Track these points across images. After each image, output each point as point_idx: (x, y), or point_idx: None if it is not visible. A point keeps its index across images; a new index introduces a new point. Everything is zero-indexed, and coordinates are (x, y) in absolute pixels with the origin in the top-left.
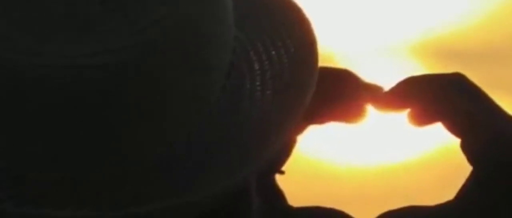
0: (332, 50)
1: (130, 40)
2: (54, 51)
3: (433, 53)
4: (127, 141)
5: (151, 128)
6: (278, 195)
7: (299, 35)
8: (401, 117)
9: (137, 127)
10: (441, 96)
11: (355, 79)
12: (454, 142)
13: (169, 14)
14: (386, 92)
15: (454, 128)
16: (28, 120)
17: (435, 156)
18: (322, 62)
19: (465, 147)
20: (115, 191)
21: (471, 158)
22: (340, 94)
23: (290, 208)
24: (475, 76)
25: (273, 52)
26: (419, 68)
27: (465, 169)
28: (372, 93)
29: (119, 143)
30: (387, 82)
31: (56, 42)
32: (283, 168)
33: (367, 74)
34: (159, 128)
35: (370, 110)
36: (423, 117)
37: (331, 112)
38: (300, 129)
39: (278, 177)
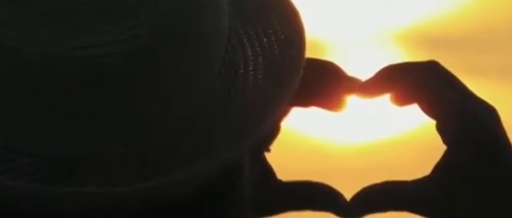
0: (319, 39)
1: (140, 31)
2: (69, 41)
3: (415, 41)
4: (137, 120)
5: (158, 108)
6: (267, 170)
7: (288, 24)
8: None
9: (146, 107)
10: (418, 82)
11: (339, 71)
12: (433, 122)
13: (173, 7)
14: (367, 80)
15: (430, 111)
16: (44, 104)
17: (416, 133)
18: (309, 51)
19: (440, 129)
20: (122, 167)
21: (445, 139)
22: (324, 84)
23: (279, 182)
24: (454, 62)
25: (265, 40)
26: (402, 56)
27: (443, 146)
28: (354, 85)
29: (130, 121)
30: (370, 69)
31: (71, 32)
32: (270, 147)
33: (352, 61)
34: (166, 108)
35: (351, 99)
36: (401, 101)
37: (314, 99)
38: (286, 110)
39: (267, 154)
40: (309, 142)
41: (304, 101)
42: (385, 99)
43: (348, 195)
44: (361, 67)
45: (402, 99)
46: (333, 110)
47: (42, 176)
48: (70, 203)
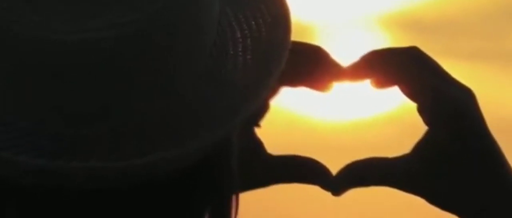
0: (306, 23)
1: (135, 15)
2: (69, 28)
3: (398, 25)
4: (135, 99)
5: (155, 88)
6: (257, 144)
7: (275, 8)
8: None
9: (143, 87)
10: (399, 66)
11: (326, 56)
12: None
13: None
14: (352, 65)
15: (411, 94)
16: (45, 85)
17: (399, 112)
18: (297, 34)
19: (421, 110)
20: (121, 144)
21: (426, 119)
22: (311, 67)
23: (269, 156)
24: (435, 46)
25: (253, 23)
26: (385, 39)
27: (423, 125)
28: (340, 70)
29: (128, 101)
30: (355, 52)
31: (71, 18)
32: (260, 123)
33: (338, 44)
34: (161, 88)
35: (337, 83)
36: (383, 84)
37: (302, 81)
38: (274, 90)
39: (257, 129)
40: (297, 119)
41: (293, 83)
42: (369, 81)
43: (333, 170)
44: (347, 50)
45: (385, 83)
46: (320, 90)
47: (46, 152)
48: (73, 178)
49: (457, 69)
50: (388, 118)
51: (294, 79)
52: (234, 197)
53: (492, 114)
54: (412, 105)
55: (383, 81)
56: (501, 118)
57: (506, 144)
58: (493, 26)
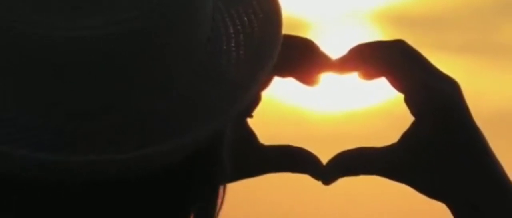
0: (298, 17)
1: (134, 13)
2: (69, 26)
3: (388, 19)
4: (133, 95)
5: (153, 84)
6: (249, 134)
7: (266, 4)
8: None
9: (141, 83)
10: (387, 58)
11: (316, 48)
12: (401, 95)
13: None
14: (340, 58)
15: (398, 86)
16: (45, 81)
17: (387, 105)
18: (289, 28)
19: (407, 102)
20: (118, 137)
21: (413, 110)
22: (302, 59)
23: (261, 146)
24: (426, 40)
25: (245, 18)
26: (376, 33)
27: (410, 117)
28: (329, 61)
29: (126, 96)
30: (346, 47)
31: (71, 17)
32: (252, 113)
33: (329, 39)
34: (160, 84)
35: (326, 75)
36: (371, 76)
37: (292, 73)
38: (266, 81)
39: (249, 120)
40: (287, 109)
41: (282, 75)
42: (357, 73)
43: (323, 160)
44: (337, 45)
45: (373, 75)
46: (308, 84)
47: (46, 146)
48: (74, 172)
49: (447, 62)
50: (377, 110)
51: (284, 72)
52: (221, 187)
53: (482, 107)
54: (398, 99)
55: (371, 73)
56: (490, 111)
57: (495, 136)
58: (482, 19)
